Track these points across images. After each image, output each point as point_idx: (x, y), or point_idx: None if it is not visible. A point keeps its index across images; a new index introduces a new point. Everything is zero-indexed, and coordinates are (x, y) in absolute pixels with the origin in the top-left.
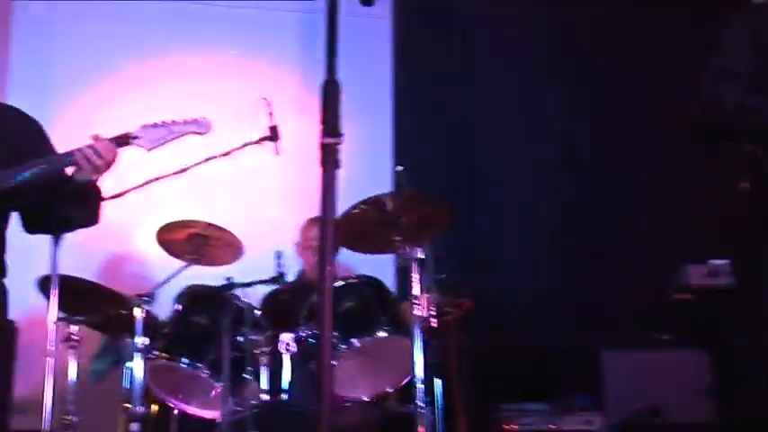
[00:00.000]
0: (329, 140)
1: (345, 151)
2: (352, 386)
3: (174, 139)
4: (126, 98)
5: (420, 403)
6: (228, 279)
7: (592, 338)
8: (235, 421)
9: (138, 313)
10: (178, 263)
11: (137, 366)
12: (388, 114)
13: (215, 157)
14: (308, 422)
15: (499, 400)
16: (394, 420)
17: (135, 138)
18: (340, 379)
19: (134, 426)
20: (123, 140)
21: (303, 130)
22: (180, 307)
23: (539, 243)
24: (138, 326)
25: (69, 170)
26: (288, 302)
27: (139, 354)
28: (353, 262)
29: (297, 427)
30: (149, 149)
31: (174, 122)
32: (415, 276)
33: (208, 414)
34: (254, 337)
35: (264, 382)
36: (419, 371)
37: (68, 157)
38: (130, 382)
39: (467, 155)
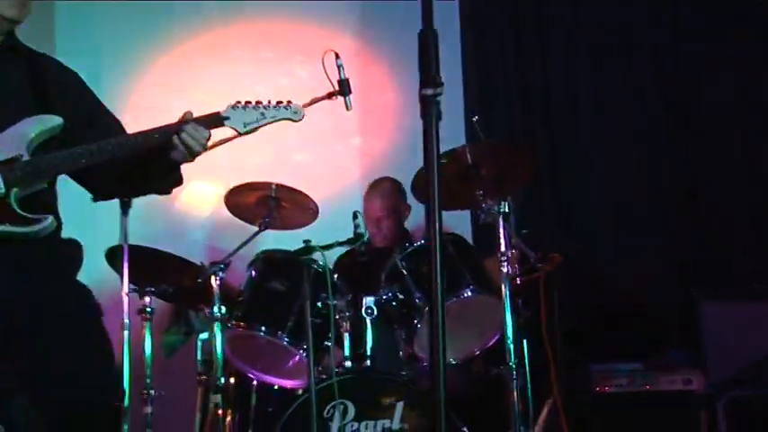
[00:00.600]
0: (429, 91)
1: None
2: None
3: (267, 124)
4: (170, 95)
5: (510, 365)
6: (306, 242)
7: (689, 290)
8: (318, 390)
9: (213, 282)
10: (250, 228)
11: (215, 337)
12: (458, 68)
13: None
14: (394, 388)
15: (589, 360)
16: (483, 383)
17: (226, 118)
18: (423, 342)
19: (215, 398)
20: (215, 121)
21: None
22: (255, 274)
23: (630, 193)
24: (215, 295)
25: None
26: (367, 265)
27: (217, 324)
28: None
29: (382, 394)
30: (242, 133)
31: (265, 106)
32: (501, 231)
33: (289, 384)
34: (334, 303)
35: (347, 349)
36: (509, 331)
37: (164, 134)
38: (208, 353)
39: (545, 101)
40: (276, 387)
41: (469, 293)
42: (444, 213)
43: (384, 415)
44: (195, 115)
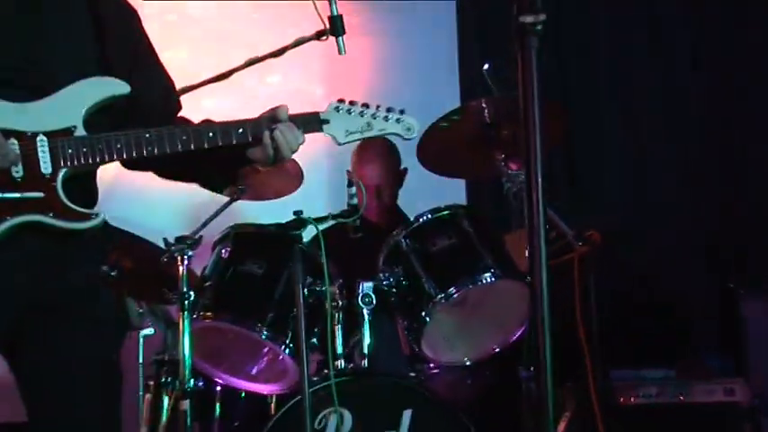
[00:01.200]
0: (528, 18)
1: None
2: (448, 347)
3: (371, 137)
4: None
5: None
6: (297, 213)
7: (726, 283)
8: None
9: (180, 263)
10: (218, 198)
11: (183, 331)
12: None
13: (262, 58)
14: (400, 393)
15: (613, 365)
16: (499, 389)
17: (325, 122)
18: (432, 338)
19: (183, 404)
20: (311, 124)
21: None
22: (225, 253)
23: (654, 167)
24: (182, 279)
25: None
26: (362, 243)
27: (187, 314)
28: (430, 190)
29: (385, 401)
30: (342, 143)
31: (374, 113)
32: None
33: (263, 389)
34: (324, 289)
35: (339, 346)
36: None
37: (253, 129)
38: (161, 352)
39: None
40: (243, 393)
41: (490, 278)
42: (442, 182)
43: (388, 425)
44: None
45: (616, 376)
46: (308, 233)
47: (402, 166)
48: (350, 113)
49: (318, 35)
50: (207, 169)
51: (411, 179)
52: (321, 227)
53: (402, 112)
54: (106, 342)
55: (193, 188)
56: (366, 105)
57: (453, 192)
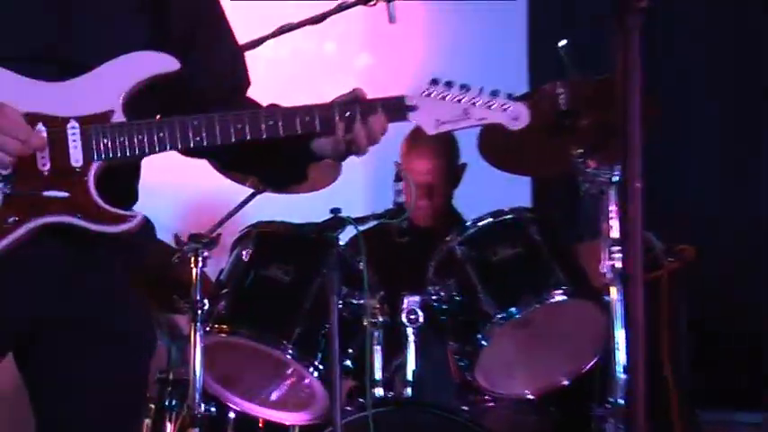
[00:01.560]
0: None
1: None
2: (507, 376)
3: (468, 127)
4: None
5: (620, 401)
6: (335, 211)
7: None
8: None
9: (193, 265)
10: (241, 191)
11: (194, 345)
12: None
13: (298, 25)
14: (447, 428)
15: (700, 405)
16: (567, 428)
17: (412, 109)
18: (488, 365)
19: None
20: (395, 111)
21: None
22: (245, 256)
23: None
24: (195, 285)
25: None
26: (409, 250)
27: (198, 325)
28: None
29: None
30: (432, 132)
31: (473, 98)
32: (611, 209)
33: (286, 417)
34: (362, 302)
35: (378, 370)
36: (620, 353)
37: (323, 114)
38: (165, 370)
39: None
40: (261, 422)
41: (561, 296)
42: (506, 180)
43: None
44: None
45: (705, 419)
46: (344, 236)
47: (460, 161)
48: (444, 99)
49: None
50: (269, 162)
51: (469, 176)
52: (361, 228)
53: (510, 96)
54: (132, 361)
55: (212, 178)
56: (465, 88)
57: (518, 192)
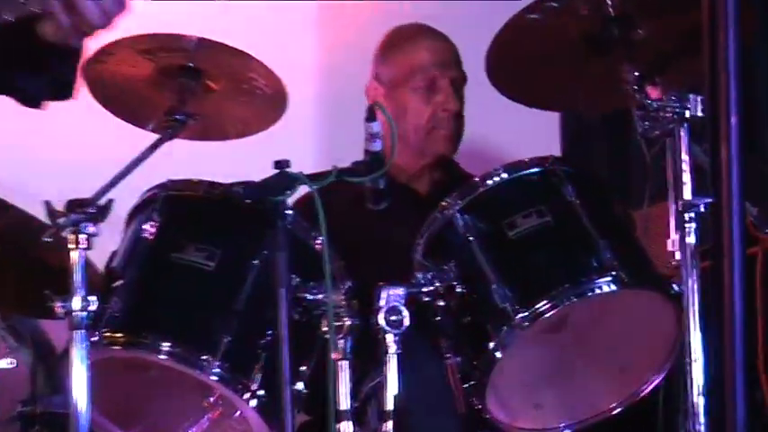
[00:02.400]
0: None
1: None
2: (532, 404)
3: None
4: None
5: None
6: (281, 165)
7: None
8: None
9: (74, 244)
10: (139, 135)
11: (74, 363)
12: None
13: None
14: None
15: None
16: None
17: None
18: (505, 387)
19: None
20: None
21: None
22: (151, 230)
23: None
24: (75, 275)
25: None
26: (391, 220)
27: (83, 334)
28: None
29: None
30: None
31: None
32: (683, 158)
33: None
34: (321, 297)
35: (346, 396)
36: (697, 367)
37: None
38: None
39: None
40: None
41: (609, 285)
42: (528, 118)
43: None
44: None
45: None
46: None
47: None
48: None
49: None
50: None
51: (474, 113)
52: (319, 188)
53: None
54: None
55: (96, 122)
56: None
57: (544, 136)
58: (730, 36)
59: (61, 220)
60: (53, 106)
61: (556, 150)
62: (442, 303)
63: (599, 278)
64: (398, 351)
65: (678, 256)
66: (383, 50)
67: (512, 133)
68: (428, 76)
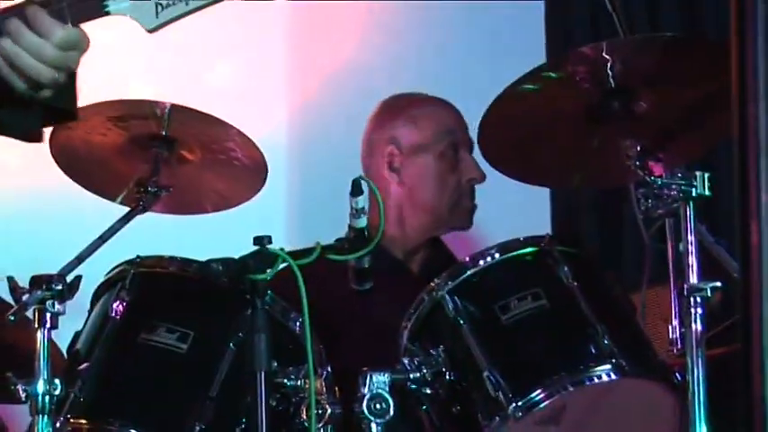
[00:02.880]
0: None
1: None
2: None
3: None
4: None
5: None
6: (261, 240)
7: None
8: None
9: (38, 324)
10: (112, 208)
11: None
12: None
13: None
14: None
15: None
16: None
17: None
18: None
19: None
20: (84, 7)
21: None
22: (119, 309)
23: None
24: (42, 352)
25: None
26: (375, 301)
27: (45, 419)
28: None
29: None
30: (152, 29)
31: None
32: (689, 239)
33: None
34: (301, 383)
35: None
36: None
37: None
38: None
39: None
40: None
41: (608, 374)
42: (520, 194)
43: None
44: None
45: None
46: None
47: None
48: None
49: None
50: None
51: None
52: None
53: None
54: None
55: (64, 191)
56: None
57: (536, 214)
58: (760, 107)
59: (25, 298)
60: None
61: (546, 225)
62: (429, 391)
63: (597, 366)
64: None
65: (680, 343)
66: (401, 114)
67: (500, 207)
68: (455, 140)
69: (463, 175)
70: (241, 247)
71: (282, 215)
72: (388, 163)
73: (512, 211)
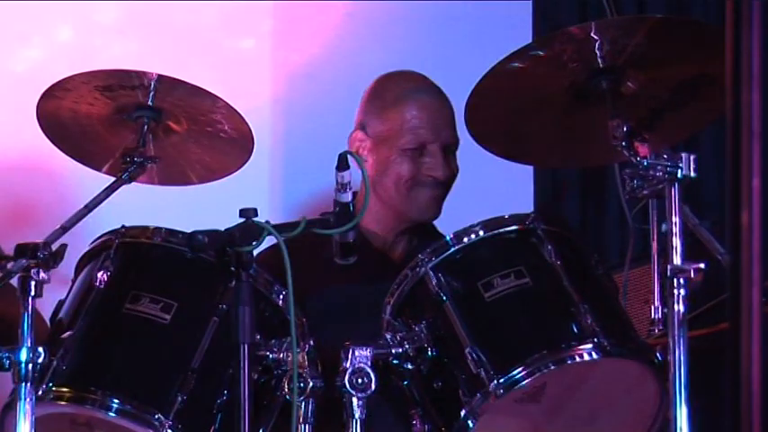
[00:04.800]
0: None
1: None
2: None
3: None
4: None
5: None
6: (248, 212)
7: None
8: None
9: (22, 292)
10: (96, 177)
11: (21, 418)
12: None
13: None
14: None
15: None
16: None
17: None
18: None
19: None
20: None
21: None
22: (103, 278)
23: None
24: (26, 321)
25: None
26: (359, 275)
27: (28, 387)
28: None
29: None
30: None
31: None
32: (674, 220)
33: None
34: (283, 356)
35: None
36: None
37: None
38: None
39: None
40: None
41: (590, 353)
42: (505, 171)
43: None
44: None
45: None
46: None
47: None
48: None
49: None
50: None
51: None
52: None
53: None
54: None
55: (50, 160)
56: None
57: (520, 192)
58: (754, 93)
59: (10, 266)
60: None
61: (528, 203)
62: (411, 366)
63: (579, 345)
64: (363, 416)
65: (661, 324)
66: (373, 101)
67: (483, 184)
68: (419, 139)
69: (424, 170)
70: (226, 220)
71: (266, 188)
72: (356, 149)
73: (495, 188)
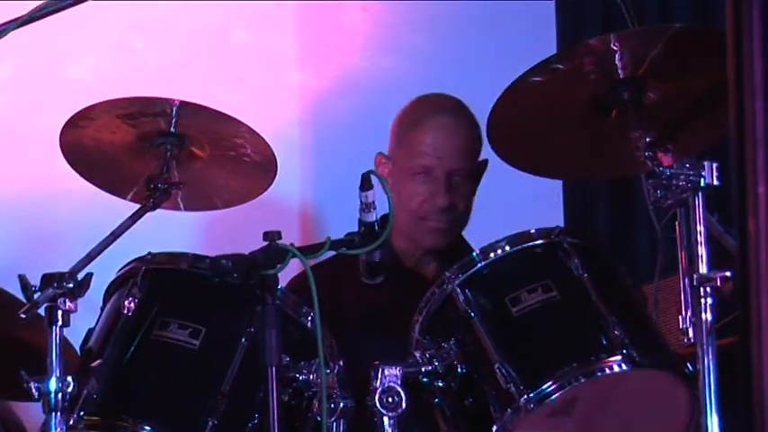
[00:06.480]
0: None
1: None
2: None
3: None
4: None
5: None
6: (272, 236)
7: None
8: None
9: (49, 321)
10: (120, 205)
11: None
12: None
13: None
14: None
15: None
16: None
17: None
18: None
19: None
20: None
21: None
22: (131, 305)
23: None
24: (54, 350)
25: None
26: (386, 295)
27: (58, 416)
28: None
29: None
30: None
31: None
32: (698, 229)
33: None
34: (312, 378)
35: None
36: None
37: None
38: None
39: None
40: None
41: (620, 365)
42: (531, 186)
43: None
44: None
45: None
46: (283, 276)
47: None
48: None
49: None
50: None
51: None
52: (312, 262)
53: None
54: None
55: (76, 189)
56: None
57: (547, 206)
58: (758, 103)
59: (37, 296)
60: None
61: (558, 217)
62: (441, 384)
63: (608, 357)
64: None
65: (690, 333)
66: (397, 124)
67: (512, 199)
68: (423, 164)
69: (428, 197)
70: (255, 243)
71: (296, 211)
72: (379, 171)
73: (524, 203)
